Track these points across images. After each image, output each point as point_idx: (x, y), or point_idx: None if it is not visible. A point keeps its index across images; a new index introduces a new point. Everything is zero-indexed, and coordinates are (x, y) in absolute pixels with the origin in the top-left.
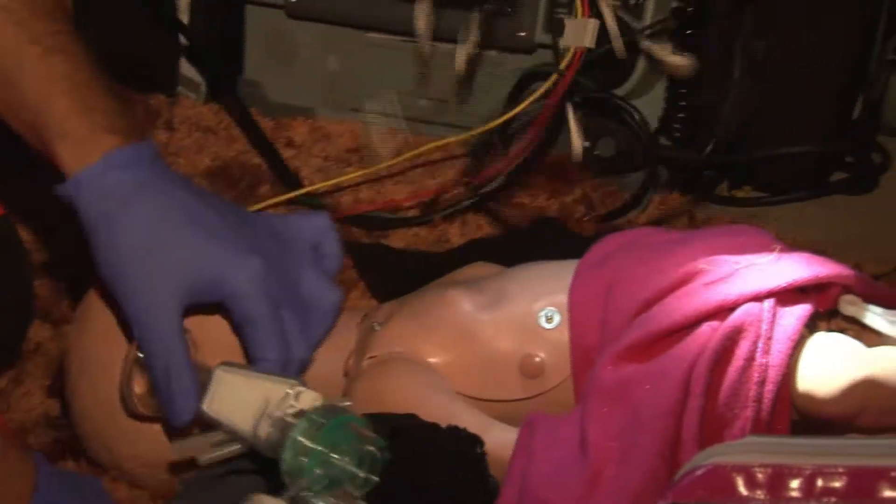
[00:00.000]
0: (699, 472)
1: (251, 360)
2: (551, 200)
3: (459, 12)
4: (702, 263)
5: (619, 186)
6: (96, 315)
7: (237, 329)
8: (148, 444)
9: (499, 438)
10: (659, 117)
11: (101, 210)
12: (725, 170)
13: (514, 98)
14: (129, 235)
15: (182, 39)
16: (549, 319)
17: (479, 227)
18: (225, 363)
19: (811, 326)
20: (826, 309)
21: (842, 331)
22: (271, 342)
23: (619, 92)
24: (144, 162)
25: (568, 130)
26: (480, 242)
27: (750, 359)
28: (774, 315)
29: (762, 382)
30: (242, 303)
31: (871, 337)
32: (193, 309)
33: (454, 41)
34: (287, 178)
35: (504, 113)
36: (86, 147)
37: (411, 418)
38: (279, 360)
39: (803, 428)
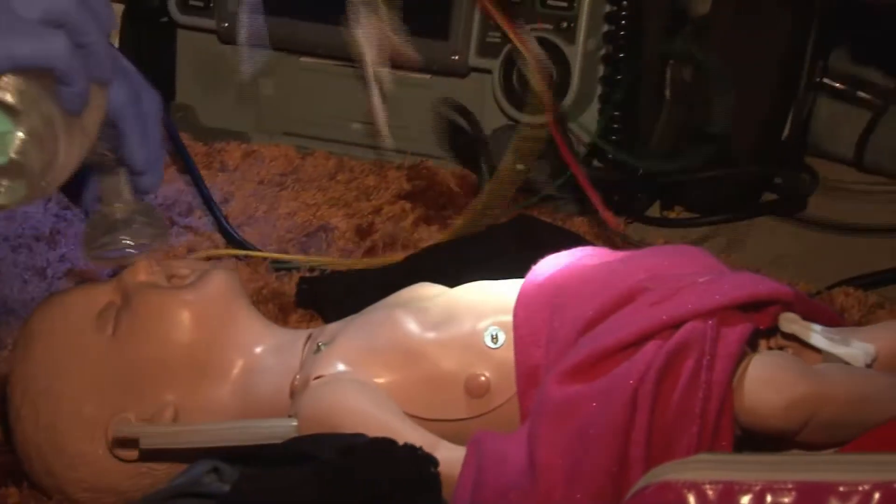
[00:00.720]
0: (650, 490)
1: None
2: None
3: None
4: (645, 282)
5: (554, 208)
6: (39, 340)
7: None
8: (90, 469)
9: (446, 458)
10: (593, 139)
11: None
12: (657, 191)
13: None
14: None
15: None
16: (494, 339)
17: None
18: None
19: (752, 344)
20: (766, 327)
21: (781, 348)
22: None
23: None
24: None
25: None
26: (427, 252)
27: (695, 376)
28: (717, 333)
29: (707, 399)
30: None
31: (810, 354)
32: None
33: (388, 65)
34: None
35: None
36: None
37: (363, 437)
38: None
39: (746, 443)
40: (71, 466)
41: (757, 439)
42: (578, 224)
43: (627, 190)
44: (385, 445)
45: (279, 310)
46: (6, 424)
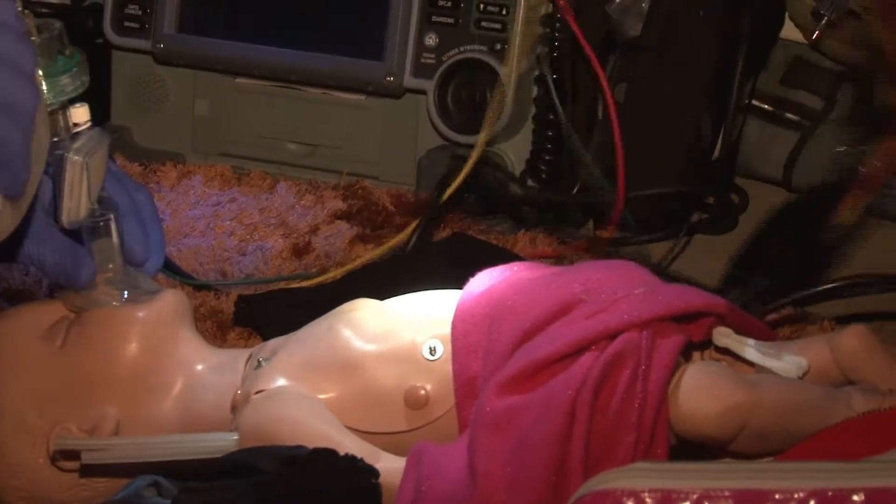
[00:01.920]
0: (588, 498)
1: None
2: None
3: (328, 56)
4: (581, 294)
5: (487, 227)
6: None
7: None
8: (29, 478)
9: (387, 468)
10: (526, 159)
11: None
12: (590, 210)
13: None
14: None
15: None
16: (432, 351)
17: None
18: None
19: (686, 356)
20: (700, 339)
21: (716, 361)
22: None
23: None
24: None
25: None
26: (364, 269)
27: (631, 385)
28: (652, 343)
29: (643, 408)
30: None
31: (743, 368)
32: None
33: (323, 86)
34: None
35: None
36: None
37: (303, 449)
38: None
39: (680, 452)
40: (10, 474)
41: (691, 449)
42: (513, 242)
43: (561, 209)
44: (326, 456)
45: (217, 328)
46: None
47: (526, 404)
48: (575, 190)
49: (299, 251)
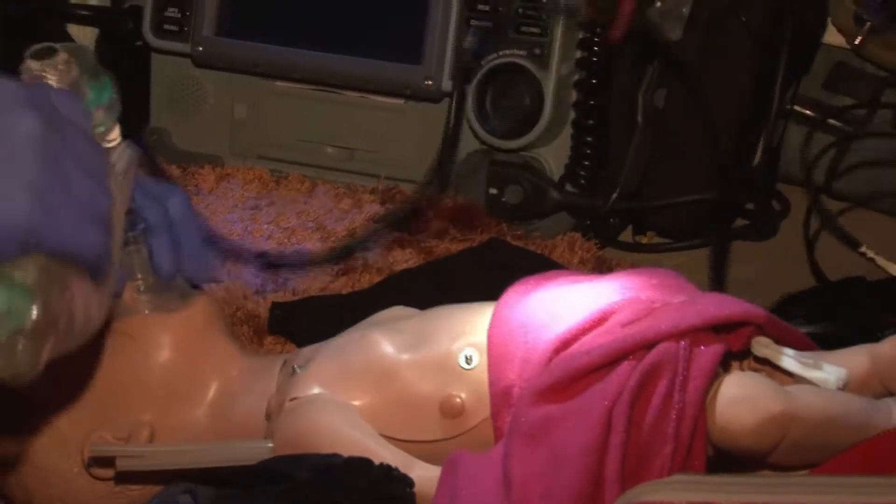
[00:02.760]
0: None
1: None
2: (459, 244)
3: (366, 60)
4: (618, 304)
5: (526, 232)
6: None
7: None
8: (64, 487)
9: (422, 477)
10: (565, 164)
11: None
12: (629, 216)
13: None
14: None
15: None
16: (468, 360)
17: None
18: None
19: (724, 366)
20: (738, 349)
21: (755, 371)
22: None
23: (527, 139)
24: None
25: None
26: (399, 276)
27: (668, 396)
28: (690, 353)
29: (680, 419)
30: None
31: (782, 378)
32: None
33: (362, 90)
34: None
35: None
36: None
37: (338, 457)
38: None
39: (718, 464)
40: (45, 483)
41: (728, 461)
42: (551, 247)
43: (600, 214)
44: (360, 465)
45: (254, 332)
46: None
47: (562, 414)
48: (614, 195)
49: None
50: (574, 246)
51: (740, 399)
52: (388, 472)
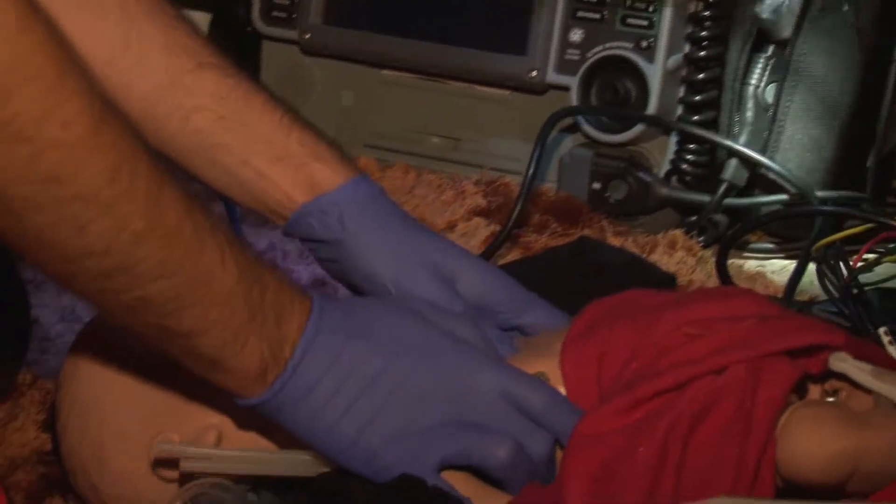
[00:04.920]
0: None
1: None
2: (559, 239)
3: (472, 50)
4: (688, 327)
5: (628, 227)
6: (88, 355)
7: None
8: (132, 487)
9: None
10: (670, 159)
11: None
12: (735, 213)
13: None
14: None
15: None
16: None
17: None
18: None
19: (800, 390)
20: (817, 372)
21: (834, 391)
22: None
23: (632, 134)
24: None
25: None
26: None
27: (733, 422)
28: (760, 379)
29: (743, 446)
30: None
31: (861, 395)
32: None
33: (468, 80)
34: None
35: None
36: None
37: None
38: None
39: (790, 494)
40: (113, 483)
41: (802, 491)
42: (652, 244)
43: (706, 211)
44: (413, 485)
45: None
46: (55, 435)
47: (621, 436)
48: (720, 192)
49: None
50: (675, 245)
51: (809, 432)
52: (441, 493)
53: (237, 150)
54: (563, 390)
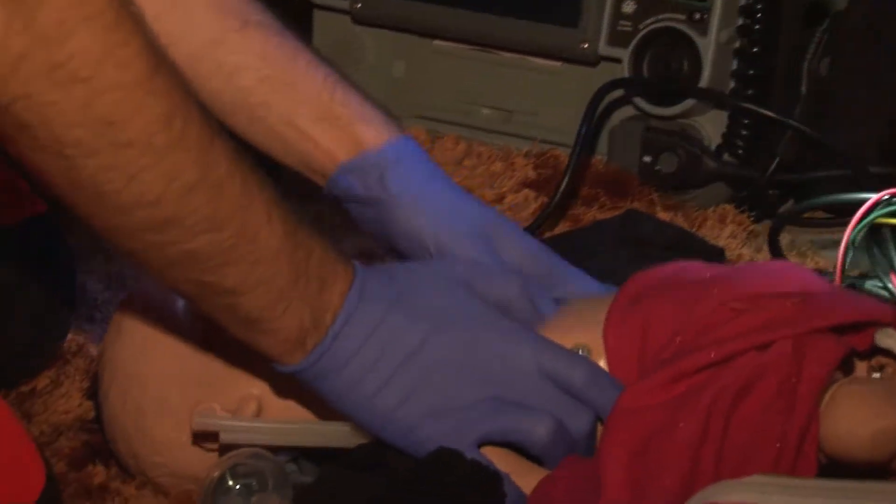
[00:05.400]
0: None
1: None
2: (609, 212)
3: (524, 22)
4: (734, 302)
5: (678, 202)
6: (130, 323)
7: None
8: (173, 456)
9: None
10: (722, 133)
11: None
12: (789, 188)
13: (593, 110)
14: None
15: None
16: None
17: None
18: None
19: (847, 367)
20: (865, 348)
21: (881, 367)
22: None
23: (683, 107)
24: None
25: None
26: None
27: (776, 398)
28: (805, 355)
29: (787, 423)
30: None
31: None
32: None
33: (519, 51)
34: None
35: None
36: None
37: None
38: None
39: (834, 471)
40: (154, 451)
41: (847, 469)
42: (702, 219)
43: (758, 185)
44: (450, 460)
45: None
46: (97, 403)
47: (662, 410)
48: (773, 166)
49: None
50: (725, 219)
51: (853, 410)
52: (477, 467)
53: (280, 109)
54: (604, 363)
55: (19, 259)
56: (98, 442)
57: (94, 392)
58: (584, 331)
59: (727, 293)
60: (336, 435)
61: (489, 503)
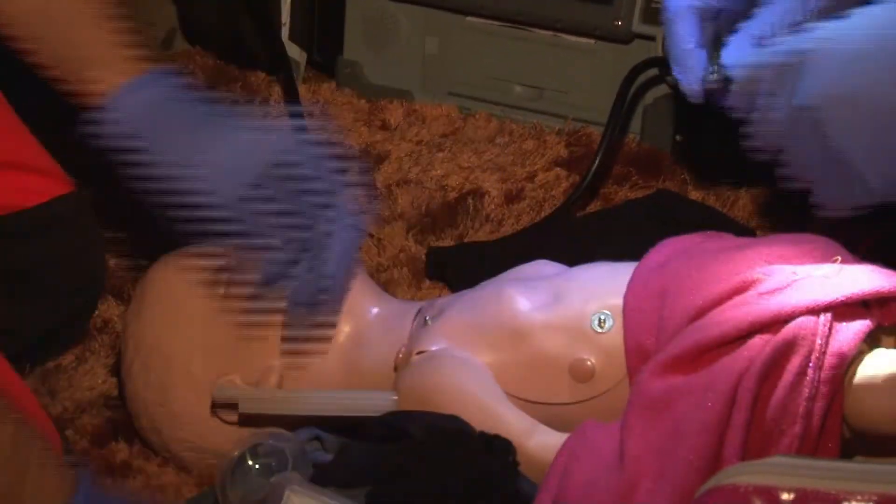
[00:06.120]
0: (716, 493)
1: None
2: (640, 191)
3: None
4: (758, 272)
5: (713, 181)
6: (152, 298)
7: None
8: (194, 429)
9: (542, 443)
10: None
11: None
12: None
13: (626, 89)
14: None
15: (283, 17)
16: (601, 323)
17: None
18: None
19: (872, 341)
20: (890, 323)
21: None
22: None
23: None
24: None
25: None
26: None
27: (801, 374)
28: (830, 329)
29: (813, 399)
30: None
31: None
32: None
33: (552, 28)
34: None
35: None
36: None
37: (449, 420)
38: None
39: (857, 447)
40: (176, 425)
41: (871, 444)
42: (734, 198)
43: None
44: (458, 434)
45: (412, 275)
46: (119, 379)
47: (686, 388)
48: None
49: (511, 197)
50: (758, 199)
51: (879, 382)
52: (488, 442)
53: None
54: (621, 321)
55: (47, 238)
56: (121, 419)
57: (118, 368)
58: (606, 295)
59: (752, 261)
60: (356, 404)
61: (501, 467)
